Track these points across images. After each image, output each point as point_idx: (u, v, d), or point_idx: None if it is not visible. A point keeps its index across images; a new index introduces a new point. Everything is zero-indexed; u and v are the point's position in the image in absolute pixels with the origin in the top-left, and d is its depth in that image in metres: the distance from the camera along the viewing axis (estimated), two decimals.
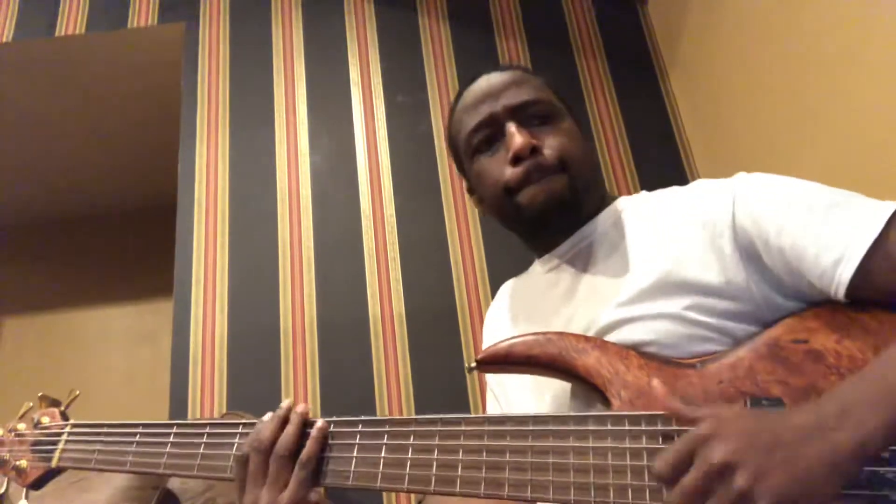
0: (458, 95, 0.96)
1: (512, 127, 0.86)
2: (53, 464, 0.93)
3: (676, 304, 0.72)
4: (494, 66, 0.95)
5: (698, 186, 0.83)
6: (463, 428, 0.70)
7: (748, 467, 0.49)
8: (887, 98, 1.27)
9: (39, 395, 1.01)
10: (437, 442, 0.70)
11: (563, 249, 0.90)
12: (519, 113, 0.87)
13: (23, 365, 3.02)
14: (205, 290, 1.83)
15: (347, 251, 1.86)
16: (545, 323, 0.87)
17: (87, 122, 2.74)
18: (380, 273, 1.83)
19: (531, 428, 0.67)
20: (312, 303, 1.80)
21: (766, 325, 0.69)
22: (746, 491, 0.49)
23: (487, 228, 1.90)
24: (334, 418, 0.77)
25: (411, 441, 0.71)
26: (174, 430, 0.85)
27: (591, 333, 0.76)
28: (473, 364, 0.76)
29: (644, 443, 0.62)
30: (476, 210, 1.92)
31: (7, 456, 0.97)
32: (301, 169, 1.98)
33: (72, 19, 2.18)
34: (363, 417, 0.76)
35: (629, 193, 1.07)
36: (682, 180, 1.24)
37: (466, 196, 1.92)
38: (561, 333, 0.74)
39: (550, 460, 0.64)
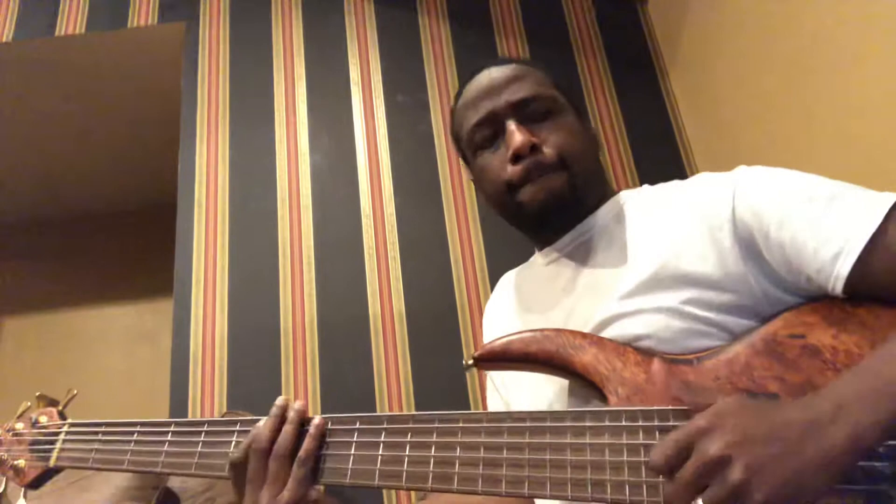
0: (461, 89, 0.96)
1: (512, 125, 0.86)
2: (51, 463, 0.93)
3: (674, 298, 0.72)
4: (496, 58, 0.95)
5: (699, 179, 0.83)
6: (460, 425, 0.70)
7: (744, 461, 0.49)
8: (887, 98, 1.27)
9: (37, 394, 1.01)
10: (434, 439, 0.70)
11: (564, 242, 0.90)
12: (519, 109, 0.87)
13: (22, 365, 3.02)
14: (205, 289, 1.83)
15: (347, 250, 1.86)
16: (545, 316, 0.87)
17: (87, 122, 2.74)
18: (380, 272, 1.83)
19: (528, 424, 0.67)
20: (312, 302, 1.80)
21: (765, 318, 0.69)
22: (742, 484, 0.49)
23: (487, 227, 1.90)
24: (332, 415, 0.77)
25: (409, 438, 0.71)
26: (172, 428, 0.85)
27: (589, 327, 0.76)
28: (471, 361, 0.76)
29: (641, 439, 0.61)
30: (476, 208, 1.92)
31: (5, 455, 0.97)
32: (301, 169, 1.98)
33: (72, 19, 2.18)
34: (361, 415, 0.76)
35: None
36: (683, 179, 1.24)
37: (468, 189, 1.94)
38: (558, 330, 0.74)
39: (548, 457, 0.64)
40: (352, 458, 0.73)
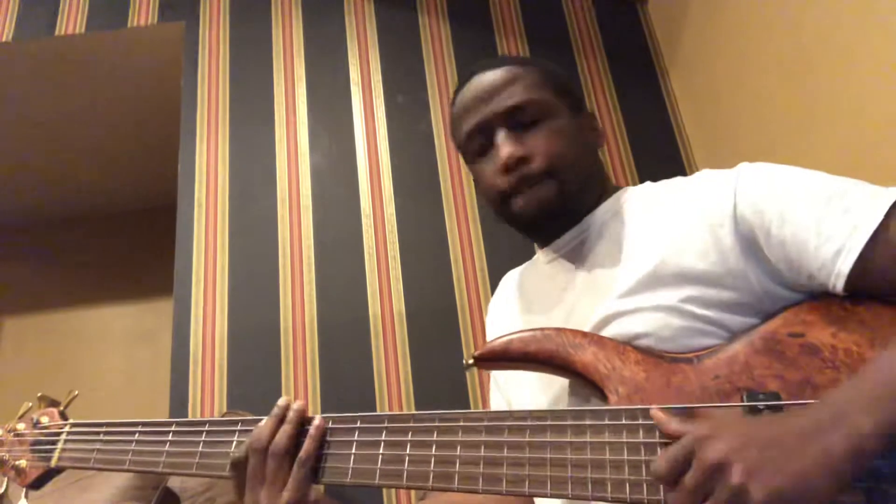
0: (455, 94, 0.96)
1: (500, 137, 0.86)
2: (53, 463, 0.93)
3: (674, 296, 0.72)
4: (489, 59, 0.95)
5: (701, 176, 0.83)
6: (461, 424, 0.70)
7: (743, 464, 0.50)
8: (887, 98, 1.27)
9: (39, 395, 1.01)
10: (434, 438, 0.70)
11: (564, 241, 0.90)
12: (508, 118, 0.87)
13: (23, 365, 3.02)
14: (205, 289, 1.83)
15: (347, 250, 1.86)
16: (546, 315, 0.87)
17: (87, 122, 2.74)
18: (380, 272, 1.84)
19: (529, 423, 0.67)
20: (312, 302, 1.80)
21: (766, 316, 0.69)
22: (741, 487, 0.49)
23: (487, 227, 1.90)
24: (332, 415, 0.77)
25: (409, 437, 0.71)
26: (173, 428, 0.86)
27: (589, 325, 0.76)
28: (471, 361, 0.76)
29: (641, 437, 0.62)
30: (476, 208, 1.92)
31: (6, 456, 0.97)
32: (301, 169, 1.98)
33: (72, 18, 2.18)
34: (361, 414, 0.76)
35: None
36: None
37: (468, 190, 1.94)
38: (558, 329, 0.74)
39: (548, 455, 0.64)
40: (353, 457, 0.73)
